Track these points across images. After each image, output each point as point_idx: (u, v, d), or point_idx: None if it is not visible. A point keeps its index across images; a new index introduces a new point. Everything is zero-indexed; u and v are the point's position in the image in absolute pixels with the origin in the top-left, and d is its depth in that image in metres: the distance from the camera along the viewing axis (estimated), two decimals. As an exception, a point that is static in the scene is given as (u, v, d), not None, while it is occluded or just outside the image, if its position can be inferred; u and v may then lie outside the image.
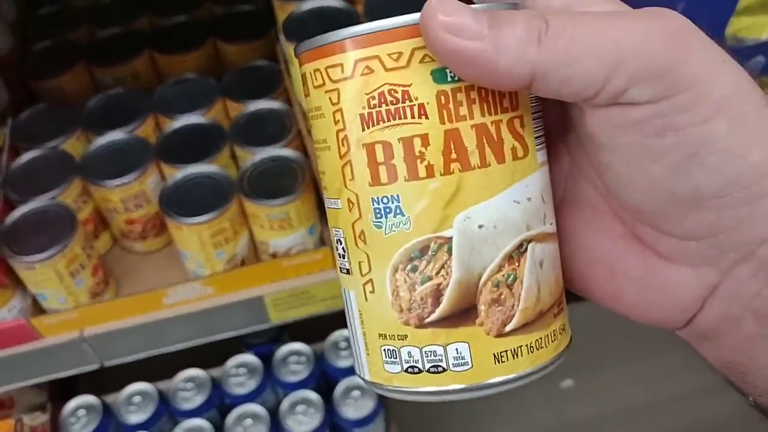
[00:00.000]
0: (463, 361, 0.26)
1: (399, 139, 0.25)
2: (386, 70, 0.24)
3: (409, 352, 0.26)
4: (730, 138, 0.23)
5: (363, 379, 0.29)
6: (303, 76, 0.27)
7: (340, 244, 0.28)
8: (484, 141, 0.25)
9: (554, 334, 0.27)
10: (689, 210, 0.24)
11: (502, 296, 0.26)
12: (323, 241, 0.77)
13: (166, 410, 0.88)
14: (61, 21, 0.90)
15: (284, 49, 0.76)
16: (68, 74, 0.82)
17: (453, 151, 0.25)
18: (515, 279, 0.26)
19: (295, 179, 0.70)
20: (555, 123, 0.29)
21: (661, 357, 1.17)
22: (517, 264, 0.26)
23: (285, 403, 0.87)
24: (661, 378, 1.15)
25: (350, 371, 0.90)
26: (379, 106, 0.25)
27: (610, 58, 0.22)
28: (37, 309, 0.74)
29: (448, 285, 0.25)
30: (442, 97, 0.24)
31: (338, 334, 0.94)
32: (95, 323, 0.73)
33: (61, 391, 0.99)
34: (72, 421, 0.88)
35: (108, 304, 0.72)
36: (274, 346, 0.95)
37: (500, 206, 0.25)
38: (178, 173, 0.71)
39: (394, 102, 0.24)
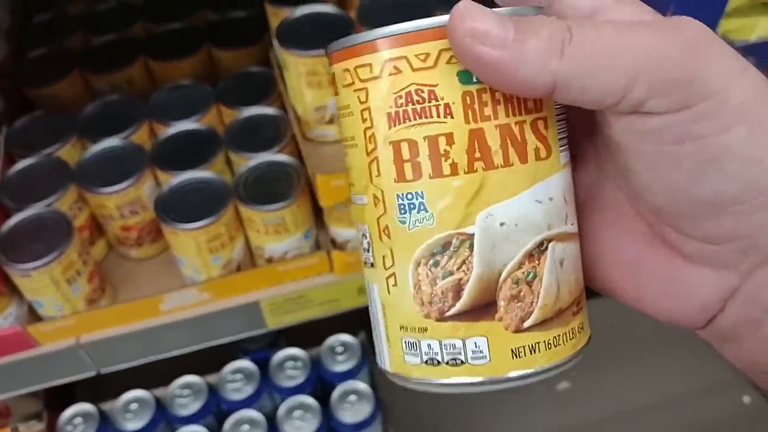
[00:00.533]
0: (481, 354, 0.26)
1: (424, 138, 0.25)
2: (413, 70, 0.25)
3: (429, 345, 0.27)
4: (749, 143, 0.23)
5: (384, 370, 0.29)
6: (332, 75, 0.28)
7: (365, 238, 0.28)
8: (508, 141, 0.26)
9: (573, 332, 0.28)
10: (709, 215, 0.25)
11: (522, 293, 0.26)
12: (318, 245, 0.77)
13: (163, 417, 0.88)
14: (55, 28, 0.90)
15: (278, 55, 0.76)
16: (63, 81, 0.83)
17: (477, 150, 0.25)
18: (535, 276, 0.26)
19: (290, 184, 0.71)
20: (581, 124, 0.30)
21: (659, 358, 1.17)
22: (537, 262, 0.26)
23: (282, 409, 0.87)
24: (659, 379, 1.15)
25: (347, 375, 0.91)
26: (406, 105, 0.25)
27: (629, 69, 0.22)
28: (33, 316, 0.74)
29: (468, 280, 0.26)
30: (468, 98, 0.25)
31: (334, 339, 0.94)
32: (92, 330, 0.73)
33: (57, 399, 0.98)
34: (69, 430, 0.87)
35: (104, 311, 0.72)
36: (271, 351, 0.95)
37: (522, 205, 0.26)
38: (174, 179, 0.72)
39: (421, 101, 0.25)
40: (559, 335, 0.27)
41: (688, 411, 1.12)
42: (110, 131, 0.77)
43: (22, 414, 1.00)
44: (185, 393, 0.90)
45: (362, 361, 0.92)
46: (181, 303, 0.74)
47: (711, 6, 0.60)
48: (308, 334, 0.91)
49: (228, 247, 0.71)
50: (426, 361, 0.27)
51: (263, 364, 0.92)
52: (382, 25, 0.25)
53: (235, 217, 0.71)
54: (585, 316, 0.29)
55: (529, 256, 0.26)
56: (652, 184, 0.25)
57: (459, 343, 0.27)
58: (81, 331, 0.73)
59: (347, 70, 0.27)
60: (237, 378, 0.90)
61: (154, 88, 0.86)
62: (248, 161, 0.73)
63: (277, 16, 0.72)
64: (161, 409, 0.89)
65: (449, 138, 0.25)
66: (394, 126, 0.26)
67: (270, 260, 0.74)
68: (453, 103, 0.25)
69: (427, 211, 0.26)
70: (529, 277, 0.26)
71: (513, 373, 0.27)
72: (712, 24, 0.60)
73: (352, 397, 0.87)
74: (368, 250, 0.28)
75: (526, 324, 0.26)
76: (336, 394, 0.88)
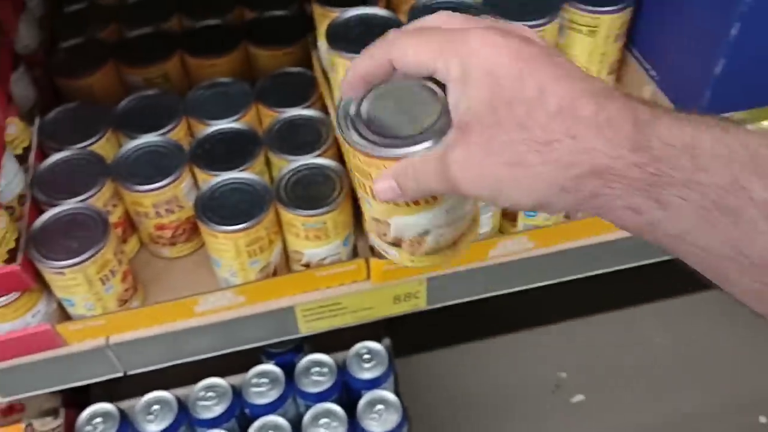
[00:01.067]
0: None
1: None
2: None
3: None
4: None
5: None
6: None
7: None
8: None
9: None
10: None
11: None
12: (356, 251, 0.75)
13: (185, 419, 0.86)
14: (88, 19, 0.88)
15: (323, 56, 0.74)
16: (97, 73, 0.80)
17: None
18: None
19: (332, 188, 0.69)
20: None
21: (676, 376, 1.16)
22: None
23: (308, 416, 0.85)
24: (675, 397, 1.14)
25: (373, 383, 0.89)
26: None
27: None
28: (62, 314, 0.72)
29: None
30: None
31: (361, 346, 0.93)
32: (122, 330, 0.72)
33: (73, 396, 0.97)
34: (88, 430, 0.86)
35: (137, 312, 0.70)
36: (296, 356, 0.93)
37: None
38: (214, 179, 0.70)
39: None
40: None
41: (705, 430, 1.11)
42: (147, 127, 0.75)
43: (37, 410, 0.98)
44: (209, 395, 0.88)
45: (389, 368, 0.90)
46: (215, 305, 0.72)
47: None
48: (332, 338, 0.90)
49: (267, 250, 0.70)
50: None
51: (287, 369, 0.90)
52: None
53: (275, 220, 0.69)
54: None
55: None
56: None
57: None
58: (111, 331, 0.71)
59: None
60: (262, 382, 0.89)
61: (188, 84, 0.84)
62: (289, 163, 0.72)
63: (325, 17, 0.70)
64: (183, 411, 0.87)
65: None
66: None
67: (307, 265, 0.73)
68: None
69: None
70: None
71: None
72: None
73: (379, 407, 0.86)
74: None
75: None
76: (362, 403, 0.86)
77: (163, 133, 0.74)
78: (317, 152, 0.72)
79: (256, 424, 0.85)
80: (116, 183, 0.71)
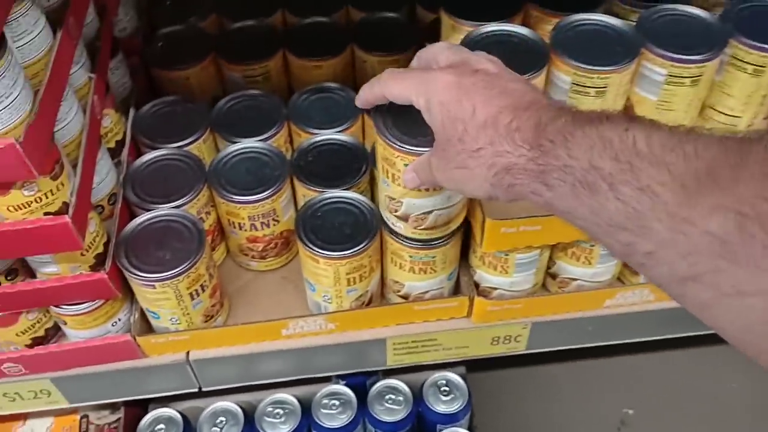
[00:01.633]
0: None
1: None
2: None
3: None
4: None
5: None
6: None
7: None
8: None
9: None
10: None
11: None
12: (458, 285, 0.70)
13: (251, 434, 0.82)
14: (189, 7, 0.83)
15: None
16: (197, 66, 0.76)
17: None
18: None
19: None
20: None
21: (743, 425, 1.09)
22: None
23: (380, 446, 0.80)
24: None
25: (450, 418, 0.83)
26: None
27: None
28: (143, 323, 0.68)
29: None
30: None
31: (439, 376, 0.87)
32: (205, 347, 0.67)
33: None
34: (150, 435, 0.82)
35: (223, 330, 0.66)
36: (368, 378, 0.88)
37: None
38: (317, 196, 0.65)
39: None
40: None
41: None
42: (247, 130, 0.70)
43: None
44: (276, 412, 0.84)
45: (468, 403, 0.85)
46: (304, 330, 0.67)
47: None
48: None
49: (366, 279, 0.64)
50: None
51: (359, 392, 0.85)
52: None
53: (379, 248, 0.64)
54: None
55: None
56: None
57: None
58: (193, 347, 0.67)
59: None
60: (333, 404, 0.84)
61: (287, 85, 0.79)
62: (397, 186, 0.66)
63: (456, 31, 0.64)
64: (249, 424, 0.83)
65: None
66: None
67: (406, 297, 0.67)
68: None
69: None
70: None
71: None
72: None
73: (456, 445, 0.80)
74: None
75: None
76: (439, 439, 0.81)
77: (264, 139, 0.69)
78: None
79: (326, 448, 0.80)
80: (212, 189, 0.67)
